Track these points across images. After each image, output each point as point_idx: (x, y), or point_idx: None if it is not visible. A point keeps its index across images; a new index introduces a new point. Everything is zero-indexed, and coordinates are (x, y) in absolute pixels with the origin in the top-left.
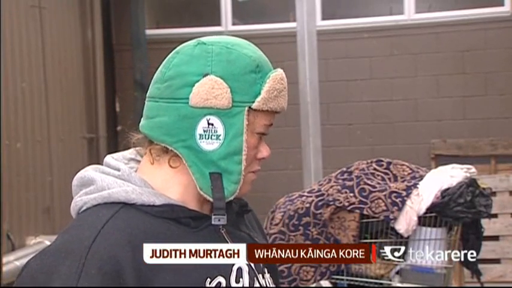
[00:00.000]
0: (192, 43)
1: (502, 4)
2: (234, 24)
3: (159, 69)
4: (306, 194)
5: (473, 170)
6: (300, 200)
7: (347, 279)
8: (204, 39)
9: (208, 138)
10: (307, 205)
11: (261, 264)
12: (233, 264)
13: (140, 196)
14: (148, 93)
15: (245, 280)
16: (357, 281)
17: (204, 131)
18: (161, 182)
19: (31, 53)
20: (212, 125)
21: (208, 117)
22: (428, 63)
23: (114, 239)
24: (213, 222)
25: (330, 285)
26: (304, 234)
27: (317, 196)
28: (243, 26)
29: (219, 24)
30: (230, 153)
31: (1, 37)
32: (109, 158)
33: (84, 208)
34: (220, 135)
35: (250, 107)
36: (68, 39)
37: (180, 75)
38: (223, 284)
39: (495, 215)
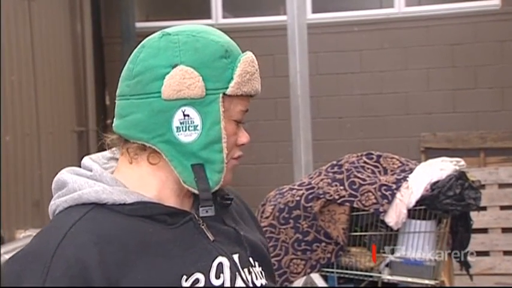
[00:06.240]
0: (156, 35)
1: None
2: (224, 17)
3: (126, 65)
4: (296, 187)
5: (462, 163)
6: (290, 193)
7: (337, 272)
8: (168, 30)
9: (185, 130)
10: (298, 198)
11: (249, 258)
12: (213, 260)
13: (111, 195)
14: (118, 92)
15: (226, 276)
16: (346, 273)
17: (181, 123)
18: (138, 180)
19: (20, 46)
20: (188, 116)
21: (183, 108)
22: (419, 57)
23: (80, 241)
24: (200, 215)
25: (320, 278)
26: (294, 227)
27: (307, 189)
28: (233, 19)
29: (209, 17)
30: (210, 143)
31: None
32: (85, 159)
33: (57, 211)
34: (197, 126)
35: (224, 93)
36: (57, 32)
37: (148, 69)
38: (202, 280)
39: (484, 208)
